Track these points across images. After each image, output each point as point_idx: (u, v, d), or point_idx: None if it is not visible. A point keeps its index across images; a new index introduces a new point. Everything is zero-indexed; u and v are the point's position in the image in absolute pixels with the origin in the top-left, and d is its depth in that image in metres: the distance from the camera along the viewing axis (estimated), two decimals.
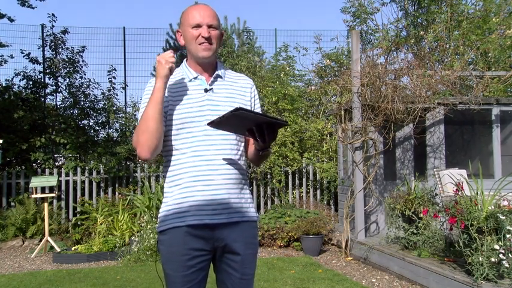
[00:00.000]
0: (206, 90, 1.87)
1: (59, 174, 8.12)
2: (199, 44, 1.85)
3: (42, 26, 9.47)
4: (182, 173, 1.82)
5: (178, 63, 1.91)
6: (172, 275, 1.80)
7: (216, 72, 1.92)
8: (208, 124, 1.74)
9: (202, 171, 1.80)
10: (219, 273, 1.90)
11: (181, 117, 1.83)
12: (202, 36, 1.84)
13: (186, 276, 1.78)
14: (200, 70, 1.91)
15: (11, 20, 9.12)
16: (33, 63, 9.33)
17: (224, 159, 1.82)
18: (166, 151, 1.88)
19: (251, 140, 1.92)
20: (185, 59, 1.96)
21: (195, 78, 1.90)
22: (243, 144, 1.93)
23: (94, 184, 8.20)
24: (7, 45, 9.27)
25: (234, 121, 1.68)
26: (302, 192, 8.59)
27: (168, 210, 1.84)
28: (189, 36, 1.87)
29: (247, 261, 1.86)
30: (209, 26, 1.85)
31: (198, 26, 1.85)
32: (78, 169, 8.18)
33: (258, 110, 2.01)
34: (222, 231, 1.82)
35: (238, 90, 1.95)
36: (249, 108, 1.94)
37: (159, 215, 1.88)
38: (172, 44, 12.48)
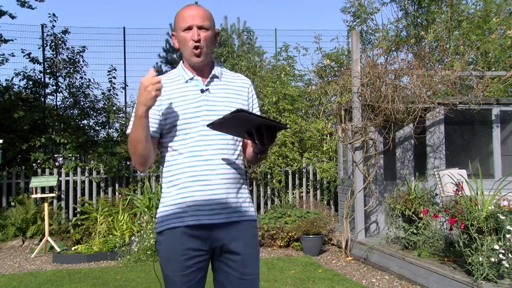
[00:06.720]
0: (202, 91, 1.86)
1: (59, 174, 8.12)
2: (191, 49, 1.82)
3: (43, 26, 9.46)
4: (180, 173, 1.81)
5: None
6: (171, 275, 1.80)
7: (212, 73, 1.89)
8: (208, 125, 1.72)
9: (199, 171, 1.79)
10: (217, 273, 1.89)
11: (178, 118, 1.81)
12: (193, 40, 1.80)
13: (184, 277, 1.78)
14: (196, 71, 1.89)
15: (12, 17, 9.11)
16: (34, 63, 9.32)
17: (222, 159, 1.82)
18: (164, 152, 1.87)
19: (249, 141, 1.91)
20: (182, 60, 1.94)
21: (191, 79, 1.87)
22: (240, 144, 1.92)
23: (94, 184, 8.19)
24: (11, 40, 9.25)
25: (234, 123, 1.67)
26: (302, 192, 8.59)
27: (165, 210, 1.83)
28: (181, 39, 1.84)
29: (248, 260, 1.85)
30: (200, 28, 1.81)
31: (189, 28, 1.81)
32: (78, 169, 8.17)
33: (256, 110, 1.99)
34: (219, 232, 1.81)
35: (235, 91, 1.93)
36: (247, 108, 1.92)
37: (157, 216, 1.87)
38: (172, 43, 12.47)
